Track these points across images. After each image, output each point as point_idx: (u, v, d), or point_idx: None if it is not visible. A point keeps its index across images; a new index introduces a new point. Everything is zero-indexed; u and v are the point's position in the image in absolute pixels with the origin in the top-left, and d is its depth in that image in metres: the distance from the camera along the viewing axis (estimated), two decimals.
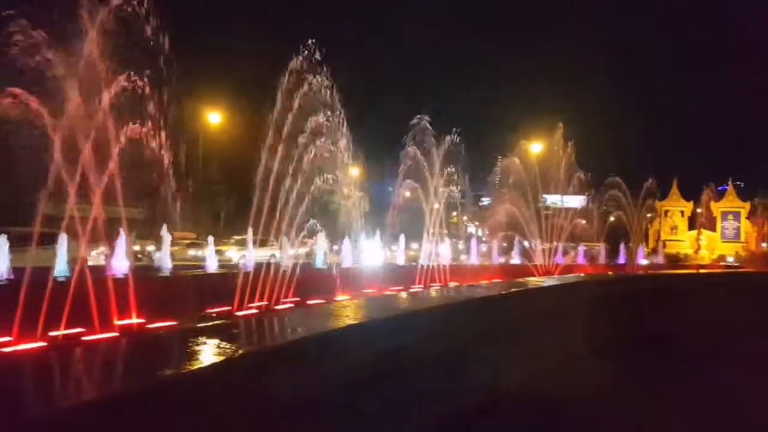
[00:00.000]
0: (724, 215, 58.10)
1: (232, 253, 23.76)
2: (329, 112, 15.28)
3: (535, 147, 42.05)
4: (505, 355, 8.27)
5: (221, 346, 4.38)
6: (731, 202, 58.14)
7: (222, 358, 4.03)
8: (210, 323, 8.12)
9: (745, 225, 55.81)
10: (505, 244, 28.97)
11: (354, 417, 4.96)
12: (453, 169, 21.35)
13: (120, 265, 11.72)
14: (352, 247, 20.37)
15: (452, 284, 16.02)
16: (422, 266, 17.84)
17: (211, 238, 17.54)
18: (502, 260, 25.87)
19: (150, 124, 10.16)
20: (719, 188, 59.52)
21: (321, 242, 18.95)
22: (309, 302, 11.25)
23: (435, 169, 20.92)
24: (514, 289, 10.79)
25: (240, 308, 10.64)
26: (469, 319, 7.95)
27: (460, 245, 32.31)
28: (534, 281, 13.98)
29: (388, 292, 13.25)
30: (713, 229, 57.56)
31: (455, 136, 21.12)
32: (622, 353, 10.66)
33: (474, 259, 24.78)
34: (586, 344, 10.72)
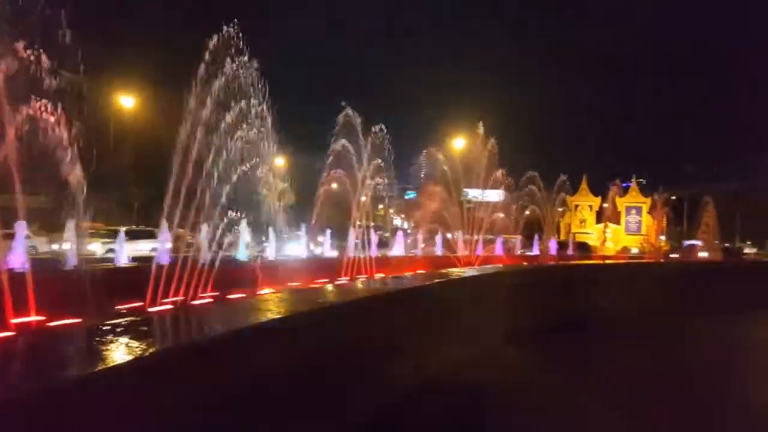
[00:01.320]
0: (628, 210, 62.47)
1: (96, 246, 21.44)
2: (252, 99, 14.71)
3: (458, 143, 43.14)
4: (430, 344, 8.35)
5: (130, 344, 4.02)
6: (634, 197, 62.54)
7: (131, 357, 3.68)
8: (119, 320, 7.54)
9: (646, 219, 60.24)
10: (428, 236, 29.47)
11: (278, 415, 4.76)
12: (380, 161, 21.36)
13: (18, 258, 10.70)
14: (276, 240, 19.90)
15: (378, 276, 16.03)
16: (348, 258, 17.73)
17: (122, 230, 16.50)
18: (426, 252, 26.28)
19: (51, 106, 9.29)
20: (624, 184, 63.88)
21: (243, 234, 18.35)
22: (229, 297, 10.78)
23: (362, 160, 20.82)
24: (437, 280, 10.90)
25: (153, 304, 10.01)
26: (394, 310, 7.93)
27: (386, 237, 32.53)
28: (457, 272, 14.23)
29: (313, 285, 13.00)
30: (618, 222, 61.70)
31: (382, 128, 21.13)
32: (539, 339, 11.14)
33: (399, 251, 25.02)
34: (506, 332, 11.05)
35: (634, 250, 49.93)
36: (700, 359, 10.28)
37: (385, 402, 6.55)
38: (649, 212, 59.65)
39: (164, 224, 14.46)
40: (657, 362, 9.92)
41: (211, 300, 10.82)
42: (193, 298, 10.85)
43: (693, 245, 42.29)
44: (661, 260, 33.22)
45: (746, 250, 54.64)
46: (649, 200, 60.34)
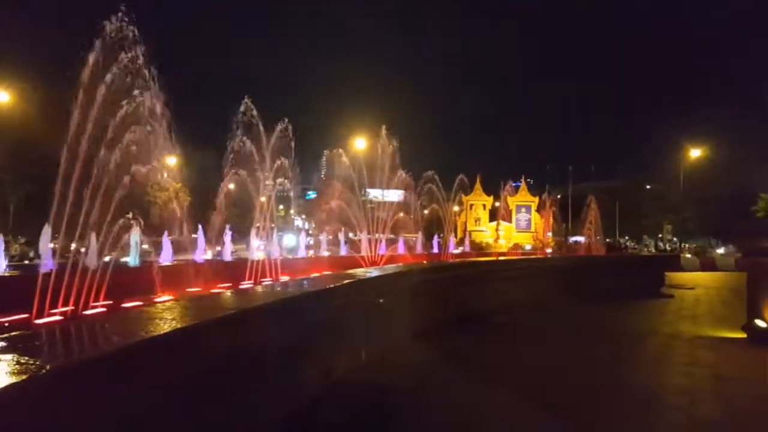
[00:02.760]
0: (518, 208, 66.51)
1: None
2: (143, 96, 14.00)
3: (360, 143, 43.68)
4: (337, 346, 8.49)
5: (20, 361, 3.75)
6: (524, 196, 66.70)
7: (17, 378, 3.42)
8: (1, 335, 6.97)
9: (535, 217, 64.51)
10: (331, 237, 29.60)
11: (185, 430, 4.68)
12: (282, 162, 21.15)
13: None
14: (172, 243, 19.06)
15: (283, 278, 15.91)
16: (251, 261, 17.41)
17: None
18: (330, 252, 26.41)
19: None
20: (514, 184, 67.97)
21: (135, 238, 17.41)
22: (124, 305, 10.27)
23: (264, 160, 20.51)
24: (344, 281, 11.07)
25: (40, 316, 9.32)
26: (302, 314, 7.97)
27: (291, 238, 32.18)
28: (362, 272, 14.47)
29: (215, 291, 12.69)
30: (510, 220, 65.50)
31: (286, 125, 20.95)
32: (444, 334, 11.67)
33: (303, 253, 24.94)
34: (412, 329, 11.46)
35: (528, 247, 53.27)
36: (590, 345, 11.32)
37: (292, 408, 6.61)
38: (538, 210, 63.97)
39: (47, 229, 13.45)
40: (552, 350, 10.81)
41: (104, 309, 10.26)
42: (85, 308, 10.23)
43: (577, 241, 46.01)
44: (548, 255, 35.81)
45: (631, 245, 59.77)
46: (537, 199, 64.67)
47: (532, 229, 63.93)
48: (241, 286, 14.03)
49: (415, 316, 11.94)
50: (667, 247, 65.38)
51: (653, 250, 57.47)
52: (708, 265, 40.08)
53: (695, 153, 58.37)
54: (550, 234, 51.72)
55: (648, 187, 79.93)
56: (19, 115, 33.21)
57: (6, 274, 12.95)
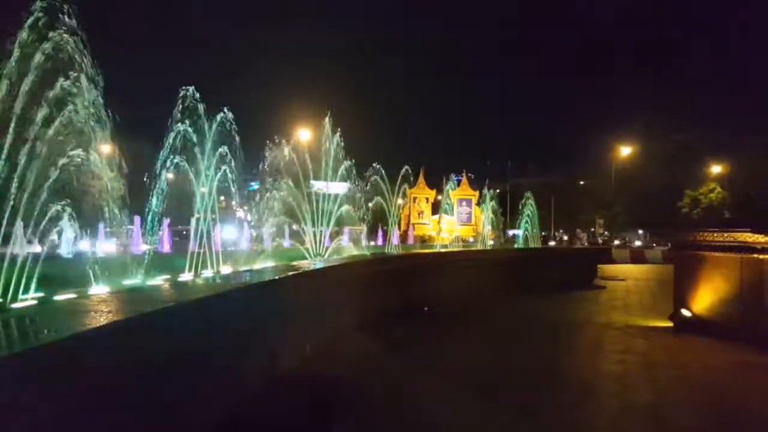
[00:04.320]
0: (460, 202, 67.78)
1: None
2: (75, 76, 13.23)
3: (304, 134, 43.12)
4: (281, 338, 8.44)
5: None
6: (464, 190, 68.04)
7: None
8: None
9: (475, 210, 65.99)
10: (275, 229, 29.17)
11: (118, 426, 4.55)
12: (224, 151, 20.58)
13: None
14: (105, 234, 18.25)
15: (225, 270, 15.55)
16: (191, 253, 16.92)
17: None
18: (274, 244, 26.01)
19: None
20: (456, 178, 69.16)
21: (66, 228, 16.55)
22: (57, 297, 9.76)
23: (205, 149, 19.91)
24: (289, 273, 10.98)
25: None
26: (244, 306, 7.84)
27: (231, 230, 31.45)
28: (306, 264, 14.41)
29: (153, 282, 12.25)
30: (452, 213, 66.63)
31: (226, 114, 20.36)
32: (388, 323, 11.81)
33: (245, 244, 24.46)
34: (358, 319, 11.54)
35: (471, 239, 54.35)
36: (528, 334, 11.73)
37: (236, 401, 6.53)
38: (478, 204, 65.40)
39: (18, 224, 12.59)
40: (491, 339, 11.13)
41: (35, 302, 9.72)
42: (13, 301, 9.66)
43: (515, 235, 47.37)
44: (489, 247, 36.72)
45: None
46: (477, 193, 66.13)
47: (473, 222, 65.38)
48: (180, 278, 13.59)
49: (359, 307, 12.03)
50: (599, 241, 68.56)
51: (586, 243, 60.09)
52: (638, 257, 42.32)
53: (626, 151, 61.47)
54: (489, 227, 53.06)
55: (582, 183, 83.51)
56: None
57: None
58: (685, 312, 11.71)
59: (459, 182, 68.85)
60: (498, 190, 65.60)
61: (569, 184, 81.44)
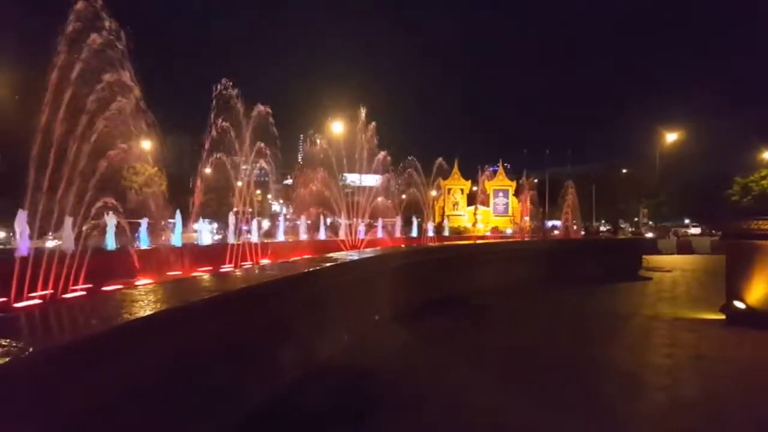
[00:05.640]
0: (496, 193, 66.97)
1: None
2: (117, 75, 13.59)
3: (337, 127, 43.37)
4: (319, 329, 8.48)
5: (2, 344, 3.68)
6: (501, 181, 67.17)
7: (6, 359, 3.37)
8: None
9: (512, 201, 65.07)
10: (310, 222, 29.47)
11: (162, 412, 4.63)
12: (261, 146, 20.88)
13: None
14: (149, 228, 18.77)
15: (264, 262, 15.79)
16: (231, 245, 17.25)
17: None
18: (309, 237, 26.30)
19: None
20: (492, 168, 68.34)
21: (112, 223, 17.11)
22: (104, 288, 10.11)
23: (243, 145, 20.23)
24: (325, 264, 11.02)
25: (19, 299, 9.12)
26: (283, 297, 7.92)
27: (266, 223, 31.95)
28: (342, 255, 14.46)
29: (195, 274, 12.54)
30: (487, 204, 65.92)
31: (265, 110, 20.63)
32: (424, 316, 11.73)
33: (281, 237, 24.79)
34: (394, 311, 11.51)
35: (509, 231, 53.61)
36: (571, 327, 11.47)
37: (274, 391, 6.58)
38: (515, 195, 64.45)
39: (22, 213, 13.12)
40: (532, 331, 10.92)
41: (84, 293, 10.08)
42: (64, 291, 10.03)
43: (555, 226, 46.48)
44: (527, 238, 36.18)
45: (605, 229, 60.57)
46: (514, 183, 65.14)
47: (510, 213, 64.53)
48: (221, 270, 13.88)
49: (395, 299, 11.99)
50: (642, 231, 66.67)
51: (629, 234, 58.44)
52: (684, 248, 40.94)
53: (671, 137, 59.29)
54: (527, 218, 52.23)
55: (624, 171, 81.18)
56: None
57: None
58: (738, 304, 11.21)
59: (495, 172, 68.06)
60: (536, 180, 64.46)
61: (610, 173, 79.37)
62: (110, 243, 16.85)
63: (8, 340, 3.70)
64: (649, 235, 51.78)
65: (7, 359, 3.27)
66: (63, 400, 3.58)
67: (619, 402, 6.53)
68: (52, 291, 9.87)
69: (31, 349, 3.64)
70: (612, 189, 71.80)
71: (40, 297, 9.46)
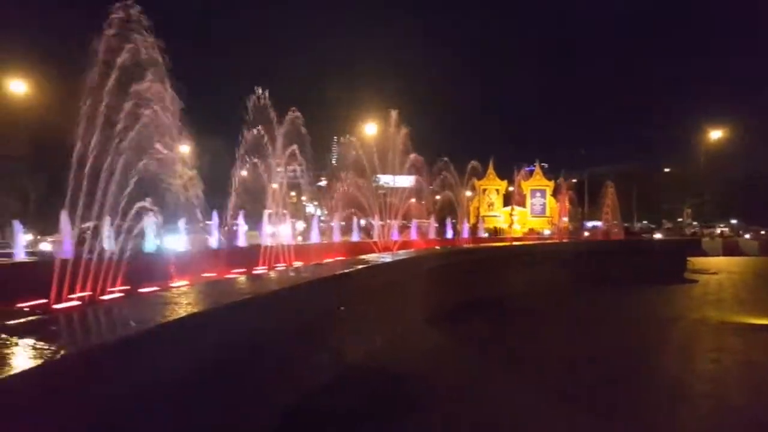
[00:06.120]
0: (533, 193, 65.88)
1: None
2: (155, 82, 13.87)
3: (370, 129, 43.42)
4: (351, 331, 8.43)
5: (37, 346, 3.73)
6: (538, 181, 66.02)
7: (39, 361, 3.41)
8: (21, 320, 6.98)
9: (550, 201, 63.87)
10: (343, 223, 29.55)
11: (198, 412, 4.64)
12: (294, 148, 21.04)
13: None
14: (185, 229, 19.11)
15: (297, 264, 15.87)
16: (265, 247, 17.41)
17: (17, 224, 15.17)
18: (343, 238, 26.35)
19: None
20: (528, 168, 67.25)
21: (150, 225, 17.48)
22: (141, 290, 10.30)
23: (276, 147, 20.42)
24: (358, 267, 10.98)
25: (59, 301, 9.36)
26: (316, 299, 7.90)
27: (301, 225, 32.22)
28: (375, 257, 14.40)
29: (230, 276, 12.68)
30: (524, 205, 64.88)
31: (295, 112, 20.78)
32: (459, 319, 11.55)
33: (315, 239, 24.89)
34: (426, 313, 11.38)
35: (546, 232, 52.55)
36: (613, 331, 11.09)
37: (306, 392, 6.55)
38: (553, 195, 63.18)
39: (64, 216, 13.51)
40: (572, 336, 10.61)
41: (121, 294, 10.29)
42: (102, 293, 10.27)
43: (595, 226, 45.33)
44: (565, 240, 35.40)
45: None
46: (552, 183, 63.90)
47: (548, 213, 63.37)
48: (255, 272, 14.00)
49: (429, 301, 11.86)
50: (686, 232, 64.44)
51: (672, 235, 56.53)
52: (731, 249, 39.37)
53: (715, 134, 57.07)
54: (566, 219, 51.10)
55: (666, 170, 78.69)
56: (37, 104, 33.49)
57: (25, 260, 13.07)
58: None
59: (531, 172, 66.95)
60: (575, 180, 63.05)
61: (652, 172, 77.02)
62: (149, 245, 17.19)
63: (43, 342, 3.78)
64: (658, 236, 49.78)
65: (41, 361, 3.34)
66: (97, 400, 3.63)
67: (663, 410, 6.23)
68: (90, 293, 10.10)
69: (63, 352, 3.71)
70: (654, 188, 69.71)
71: (79, 299, 9.69)
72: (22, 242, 14.58)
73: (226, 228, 22.11)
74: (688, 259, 24.78)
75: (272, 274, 13.46)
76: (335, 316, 8.11)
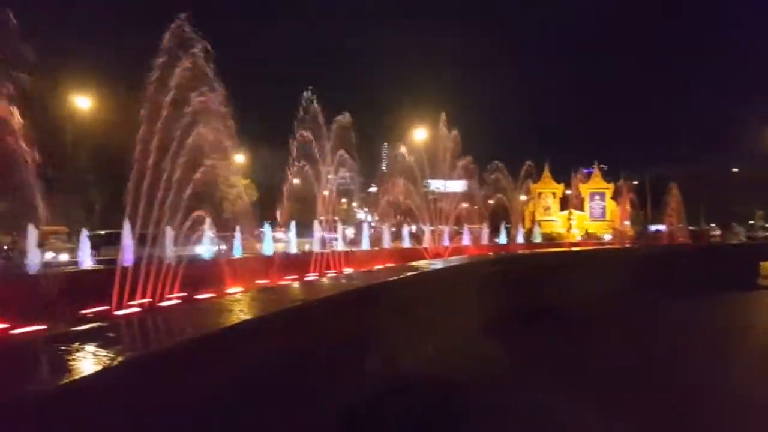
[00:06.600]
0: (592, 196, 63.72)
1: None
2: (209, 93, 14.31)
3: (420, 134, 43.24)
4: (403, 339, 8.32)
5: (97, 353, 3.86)
6: (597, 183, 63.84)
7: (98, 367, 3.53)
8: (85, 326, 7.29)
9: (610, 204, 61.59)
10: (393, 229, 29.50)
11: (254, 417, 4.67)
12: (344, 155, 21.21)
13: None
14: (240, 237, 19.59)
15: (347, 270, 15.94)
16: (316, 254, 17.59)
17: (84, 232, 15.97)
18: (393, 245, 26.29)
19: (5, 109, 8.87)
20: (586, 170, 65.11)
21: (207, 233, 18.04)
22: (197, 297, 10.59)
23: (326, 154, 20.65)
24: (408, 273, 10.88)
25: (119, 307, 9.74)
26: (367, 306, 7.86)
27: (351, 232, 32.44)
28: (426, 264, 14.25)
29: (282, 282, 12.86)
30: (582, 209, 62.79)
31: (346, 117, 20.95)
32: (514, 328, 11.18)
33: (366, 245, 24.94)
34: (480, 322, 11.12)
35: (607, 236, 50.61)
36: (676, 344, 10.47)
37: (358, 399, 6.49)
38: (613, 197, 60.86)
39: (127, 225, 14.09)
40: (635, 348, 10.05)
41: (179, 301, 10.61)
42: (161, 300, 10.62)
43: (659, 230, 43.24)
44: (627, 244, 33.99)
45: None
46: (612, 186, 61.59)
47: (608, 217, 61.15)
48: (306, 278, 14.14)
49: (481, 310, 11.58)
50: (758, 235, 60.63)
51: (743, 239, 53.24)
52: None
53: None
54: (627, 222, 49.00)
55: (735, 170, 74.43)
56: (101, 118, 35.45)
57: (89, 268, 13.73)
58: None
59: (590, 174, 64.82)
60: (636, 182, 60.49)
61: (720, 172, 72.97)
62: (205, 252, 17.74)
63: (104, 349, 3.91)
64: (738, 239, 46.62)
65: (100, 367, 3.45)
66: (159, 404, 3.71)
67: (736, 430, 5.78)
68: (149, 299, 10.46)
69: (120, 358, 3.81)
70: (723, 189, 66.03)
71: (139, 305, 10.04)
72: (89, 250, 15.30)
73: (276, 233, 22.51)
74: (762, 263, 23.24)
75: (323, 280, 13.56)
76: (386, 323, 8.04)
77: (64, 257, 19.75)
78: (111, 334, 4.97)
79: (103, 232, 21.72)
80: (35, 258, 13.43)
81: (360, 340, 7.12)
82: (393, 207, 28.13)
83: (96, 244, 18.16)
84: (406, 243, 27.25)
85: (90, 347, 3.99)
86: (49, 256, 19.76)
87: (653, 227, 49.05)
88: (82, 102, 35.71)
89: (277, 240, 22.83)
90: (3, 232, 21.33)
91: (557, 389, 7.34)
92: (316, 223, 20.45)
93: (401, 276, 10.56)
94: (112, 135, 28.74)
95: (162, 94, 13.14)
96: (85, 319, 8.87)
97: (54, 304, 9.14)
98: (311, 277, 15.16)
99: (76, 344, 4.09)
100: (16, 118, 8.99)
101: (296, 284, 12.03)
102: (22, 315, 7.84)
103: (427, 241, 26.57)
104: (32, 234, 13.74)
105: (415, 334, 8.78)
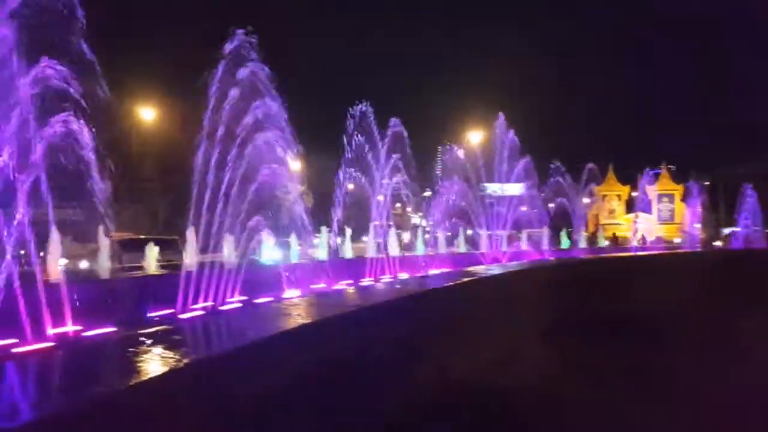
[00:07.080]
0: (659, 198, 60.90)
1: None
2: (267, 102, 14.70)
3: (475, 136, 42.65)
4: (457, 345, 8.23)
5: (164, 355, 4.07)
6: (665, 185, 60.99)
7: (165, 368, 3.71)
8: (152, 329, 7.65)
9: (679, 207, 58.63)
10: (450, 234, 29.21)
11: (309, 418, 4.75)
12: (398, 159, 21.22)
13: (54, 268, 11.05)
14: (298, 243, 19.98)
15: (402, 276, 15.91)
16: (370, 259, 17.66)
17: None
18: (448, 249, 26.02)
19: (76, 120, 9.41)
20: (653, 171, 62.28)
21: (266, 239, 18.49)
22: (256, 301, 10.87)
23: (380, 159, 20.75)
24: (464, 279, 10.80)
25: (184, 310, 10.13)
26: (421, 311, 7.86)
27: (406, 236, 32.39)
28: (482, 270, 14.08)
29: (337, 287, 13.00)
30: (650, 211, 60.04)
31: (397, 123, 20.97)
32: (574, 338, 10.73)
33: (420, 250, 24.81)
34: (536, 331, 10.83)
35: (676, 240, 48.14)
36: (762, 358, 9.70)
37: (408, 406, 6.46)
38: (683, 199, 57.92)
39: (191, 231, 14.67)
40: (711, 364, 9.38)
41: (239, 305, 10.94)
42: (222, 303, 10.97)
43: (733, 233, 40.72)
44: (699, 249, 32.25)
45: None
46: (681, 187, 58.66)
47: (677, 220, 58.27)
48: (361, 283, 14.23)
49: (538, 318, 11.30)
50: None
51: None
52: None
53: None
54: (698, 225, 46.43)
55: None
56: (164, 129, 37.14)
57: (154, 273, 14.39)
58: None
59: (657, 176, 62.02)
60: (707, 183, 57.29)
61: None
62: (264, 258, 18.17)
63: (169, 351, 4.12)
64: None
65: (167, 369, 3.63)
66: (221, 403, 3.87)
67: None
68: (212, 303, 10.81)
69: (186, 360, 3.98)
70: None
71: (202, 308, 10.40)
72: (154, 256, 16.01)
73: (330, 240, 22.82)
74: None
75: (377, 285, 13.65)
76: (440, 329, 7.99)
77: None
78: (176, 337, 5.21)
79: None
80: (105, 263, 14.28)
81: (412, 346, 7.10)
82: (448, 211, 27.87)
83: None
84: (462, 248, 26.92)
85: (157, 349, 4.21)
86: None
87: (727, 230, 46.25)
88: (147, 113, 37.51)
89: (332, 245, 23.11)
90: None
91: (615, 402, 7.01)
92: (370, 228, 20.56)
93: (455, 282, 10.49)
94: (174, 145, 30.04)
95: (221, 103, 13.60)
96: (152, 322, 9.27)
97: (123, 308, 9.64)
98: (366, 282, 15.23)
99: (144, 346, 4.32)
100: (91, 129, 9.54)
101: (351, 289, 12.16)
102: (93, 318, 8.31)
103: (484, 246, 26.15)
104: (104, 242, 14.58)
105: (468, 342, 8.66)
